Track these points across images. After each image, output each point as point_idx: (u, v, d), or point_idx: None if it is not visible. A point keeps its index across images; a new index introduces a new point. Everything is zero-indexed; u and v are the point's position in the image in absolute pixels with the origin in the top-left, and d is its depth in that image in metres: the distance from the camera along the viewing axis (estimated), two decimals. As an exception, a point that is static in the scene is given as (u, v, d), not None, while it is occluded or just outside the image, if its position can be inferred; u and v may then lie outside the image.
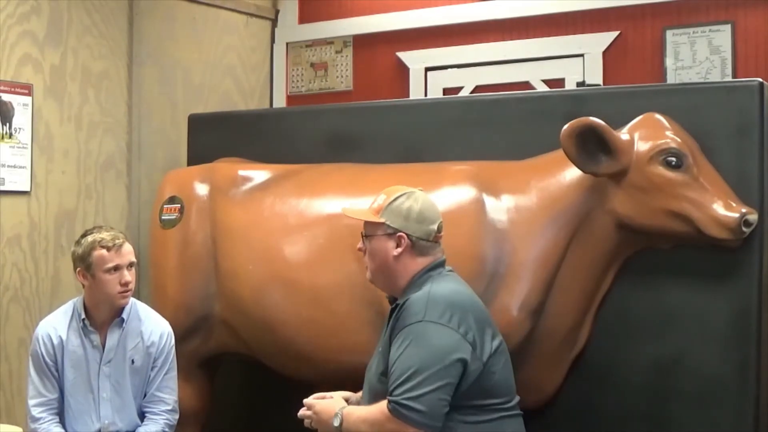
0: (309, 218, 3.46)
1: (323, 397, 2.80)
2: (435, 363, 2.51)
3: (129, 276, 3.20)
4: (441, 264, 2.75)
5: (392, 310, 2.74)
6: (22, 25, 3.93)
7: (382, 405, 2.56)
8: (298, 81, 5.01)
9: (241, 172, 3.71)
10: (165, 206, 3.74)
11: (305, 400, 2.80)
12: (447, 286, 2.67)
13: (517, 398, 2.72)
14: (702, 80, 3.98)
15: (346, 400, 2.78)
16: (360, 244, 2.82)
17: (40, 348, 3.23)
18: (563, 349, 3.18)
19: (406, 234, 2.70)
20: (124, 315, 3.25)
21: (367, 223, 2.78)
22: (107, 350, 3.24)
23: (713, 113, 3.04)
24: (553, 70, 4.38)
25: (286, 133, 3.87)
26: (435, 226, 2.73)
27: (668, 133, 3.01)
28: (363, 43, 4.85)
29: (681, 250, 3.05)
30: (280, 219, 3.51)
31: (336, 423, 2.64)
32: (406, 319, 2.60)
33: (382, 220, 2.72)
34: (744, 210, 2.90)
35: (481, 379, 2.58)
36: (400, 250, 2.70)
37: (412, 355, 2.54)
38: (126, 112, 4.33)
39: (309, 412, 2.75)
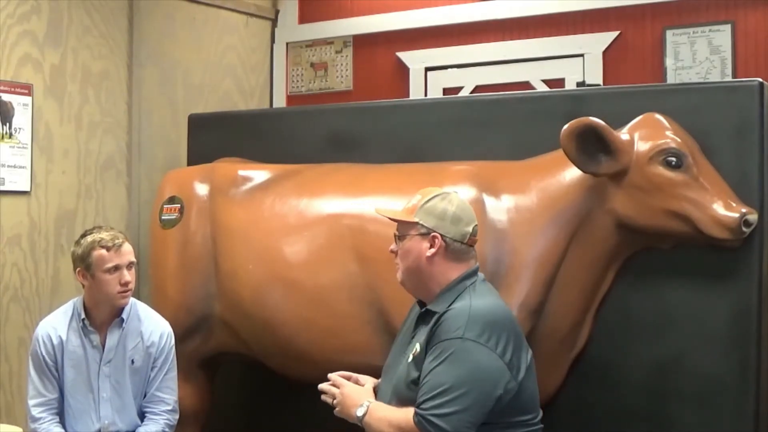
0: (309, 218, 3.46)
1: (349, 377, 2.79)
2: (468, 384, 2.48)
3: (129, 276, 3.20)
4: (475, 272, 2.70)
5: (422, 315, 2.70)
6: (22, 25, 3.92)
7: (409, 413, 2.53)
8: (298, 81, 5.01)
9: (241, 172, 3.71)
10: (165, 206, 3.74)
11: (332, 375, 2.79)
12: (487, 301, 2.62)
13: (540, 413, 2.68)
14: (702, 80, 3.98)
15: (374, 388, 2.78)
16: (392, 246, 2.76)
17: (40, 348, 3.22)
18: (563, 349, 3.18)
19: (440, 234, 2.65)
20: (124, 315, 3.25)
21: (400, 224, 2.74)
22: (107, 350, 3.24)
23: (713, 113, 3.04)
24: (553, 70, 4.38)
25: (286, 133, 3.87)
26: (470, 228, 2.68)
27: (668, 133, 3.01)
28: (363, 43, 4.85)
29: (681, 250, 3.05)
30: (280, 219, 3.51)
31: (359, 413, 2.63)
32: (445, 333, 2.55)
33: (415, 219, 2.68)
34: (744, 210, 2.90)
35: (516, 397, 2.55)
36: (433, 250, 2.65)
37: (447, 372, 2.49)
38: (126, 112, 4.33)
39: (335, 390, 2.73)
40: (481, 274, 2.73)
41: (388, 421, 2.58)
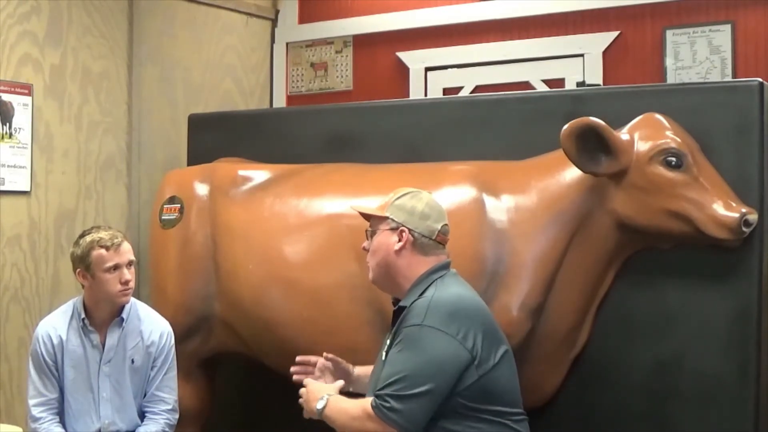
0: (309, 218, 3.46)
1: (337, 362, 2.93)
2: (426, 369, 2.51)
3: (129, 274, 3.20)
4: (445, 266, 2.74)
5: (396, 312, 2.73)
6: (22, 25, 3.92)
7: (366, 402, 2.57)
8: (298, 81, 5.01)
9: (241, 172, 3.71)
10: (165, 206, 3.75)
11: (302, 358, 2.95)
12: (452, 290, 2.66)
13: (522, 410, 2.68)
14: (702, 80, 3.98)
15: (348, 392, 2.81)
16: (365, 243, 2.82)
17: (40, 347, 3.23)
18: (563, 350, 3.18)
19: (408, 229, 2.71)
20: (124, 314, 3.25)
21: (372, 220, 2.81)
22: (107, 350, 3.24)
23: (713, 113, 3.04)
24: (553, 70, 4.38)
25: (286, 133, 3.87)
26: (438, 225, 2.73)
27: (668, 133, 3.01)
28: (363, 43, 4.85)
29: (681, 250, 3.05)
30: (280, 219, 3.51)
31: (319, 406, 2.67)
32: (407, 322, 2.61)
33: (386, 214, 2.75)
34: (744, 210, 2.90)
35: (486, 386, 2.57)
36: (401, 244, 2.71)
37: (406, 359, 2.54)
38: (126, 112, 4.33)
39: (302, 390, 2.79)
40: (453, 270, 2.76)
41: (345, 411, 2.62)
